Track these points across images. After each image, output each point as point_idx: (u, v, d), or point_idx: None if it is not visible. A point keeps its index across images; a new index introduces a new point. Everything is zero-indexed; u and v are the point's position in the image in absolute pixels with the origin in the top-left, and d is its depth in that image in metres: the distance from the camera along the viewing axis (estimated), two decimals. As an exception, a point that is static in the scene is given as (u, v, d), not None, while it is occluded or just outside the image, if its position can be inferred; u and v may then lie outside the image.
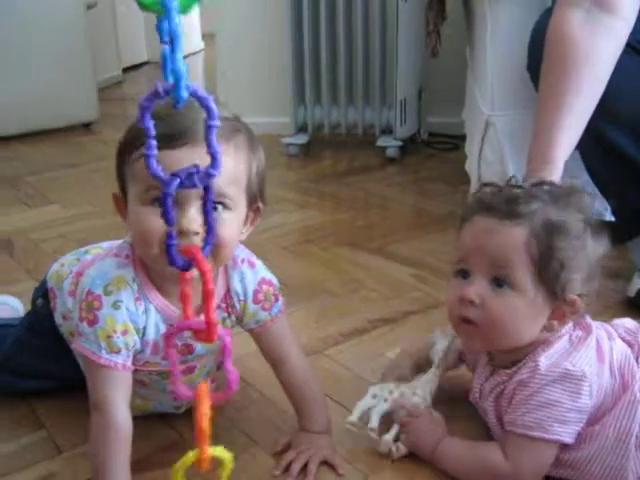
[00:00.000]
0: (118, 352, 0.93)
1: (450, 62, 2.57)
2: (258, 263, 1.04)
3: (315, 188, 2.33)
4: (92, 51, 3.22)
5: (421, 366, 1.18)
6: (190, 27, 6.00)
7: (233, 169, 0.90)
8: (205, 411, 0.60)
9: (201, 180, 0.59)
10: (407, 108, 2.60)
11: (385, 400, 1.10)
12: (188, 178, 0.59)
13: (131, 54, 4.99)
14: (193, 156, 0.80)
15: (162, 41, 0.59)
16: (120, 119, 3.54)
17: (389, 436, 1.05)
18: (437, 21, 2.40)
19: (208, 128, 0.56)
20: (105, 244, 1.17)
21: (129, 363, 0.95)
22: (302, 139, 2.68)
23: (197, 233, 0.85)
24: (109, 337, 0.92)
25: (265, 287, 1.03)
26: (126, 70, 4.80)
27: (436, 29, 2.42)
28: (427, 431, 1.04)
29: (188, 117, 0.84)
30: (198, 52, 6.06)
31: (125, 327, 0.93)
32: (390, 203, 2.24)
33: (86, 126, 3.23)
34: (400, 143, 2.63)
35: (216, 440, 1.09)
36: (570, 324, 0.99)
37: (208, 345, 0.99)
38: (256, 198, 0.96)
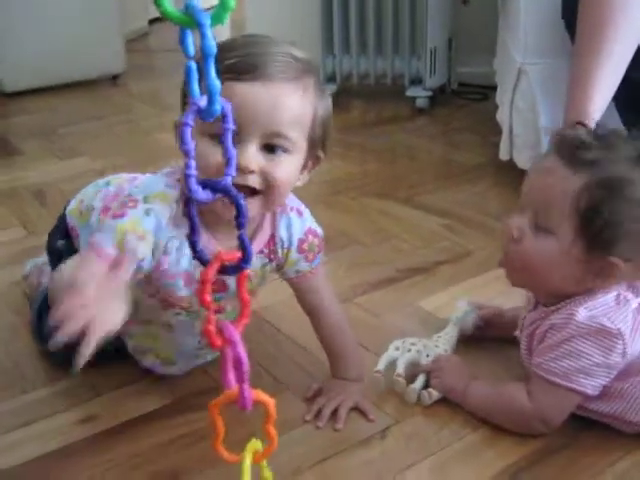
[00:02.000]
0: (127, 248, 0.87)
1: (481, 10, 2.53)
2: (306, 212, 1.04)
3: (343, 139, 2.31)
4: (119, 3, 3.20)
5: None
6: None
7: (298, 111, 0.90)
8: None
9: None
10: (437, 57, 2.56)
11: (409, 351, 1.11)
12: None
13: (157, 5, 4.94)
14: (261, 92, 0.85)
15: (187, 55, 0.57)
16: (147, 71, 3.54)
17: (416, 385, 1.06)
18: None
19: (224, 131, 0.57)
20: (125, 174, 1.15)
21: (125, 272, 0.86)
22: (330, 89, 2.65)
23: (252, 172, 0.87)
24: (124, 234, 0.87)
25: (311, 237, 1.03)
26: (152, 22, 4.77)
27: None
28: (456, 374, 1.06)
29: (263, 52, 0.87)
30: (224, 2, 6.01)
31: (145, 234, 0.89)
32: (419, 154, 2.23)
33: (113, 78, 3.23)
34: (430, 93, 2.60)
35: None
36: (623, 284, 0.97)
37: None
38: (317, 146, 0.96)
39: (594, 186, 0.90)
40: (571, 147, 0.93)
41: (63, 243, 1.15)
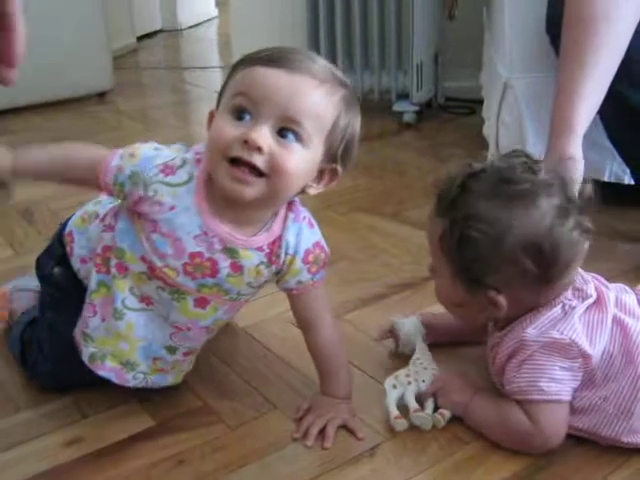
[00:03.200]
0: (119, 157, 0.96)
1: (467, 25, 2.54)
2: (317, 227, 1.04)
3: (332, 154, 2.31)
4: (106, 19, 3.20)
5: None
6: (203, -7, 5.97)
7: (318, 106, 0.91)
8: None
9: None
10: (423, 72, 2.57)
11: (409, 383, 1.09)
12: None
13: (145, 22, 4.96)
14: (284, 77, 0.89)
15: None
16: (135, 88, 3.54)
17: (428, 410, 1.05)
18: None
19: None
20: None
21: (106, 174, 0.97)
22: (318, 105, 2.66)
23: (260, 149, 0.87)
24: (129, 148, 0.97)
25: (318, 250, 1.03)
26: (140, 38, 4.78)
27: (453, -9, 2.40)
28: (457, 391, 1.05)
29: (299, 52, 0.93)
30: (212, 19, 6.02)
31: (135, 155, 0.96)
32: (408, 169, 2.23)
33: (100, 95, 3.22)
34: (417, 108, 2.61)
35: (238, 404, 1.12)
36: (569, 292, 0.99)
37: (232, 280, 1.00)
38: (336, 157, 0.96)
39: (450, 228, 0.96)
40: (437, 197, 1.00)
41: (59, 271, 1.11)
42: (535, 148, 1.66)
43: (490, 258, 0.94)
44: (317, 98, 0.91)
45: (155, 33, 5.20)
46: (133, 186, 0.95)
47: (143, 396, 1.12)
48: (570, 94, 1.27)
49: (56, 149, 1.04)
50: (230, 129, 0.89)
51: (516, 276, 0.95)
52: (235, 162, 0.89)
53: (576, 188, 1.20)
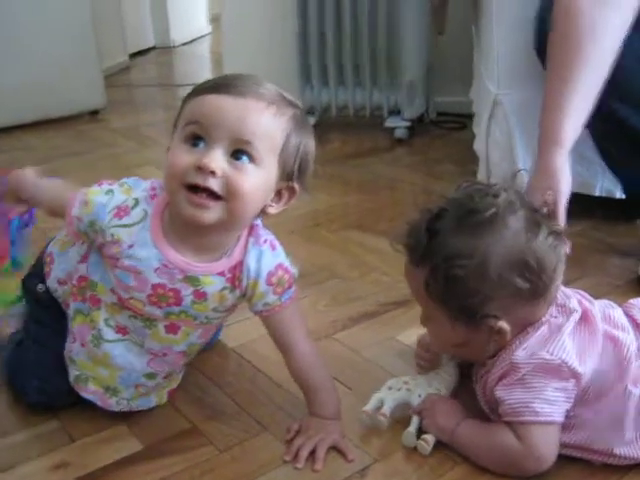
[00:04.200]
0: (77, 204, 1.00)
1: (457, 41, 2.55)
2: (280, 248, 1.04)
3: (323, 171, 2.31)
4: (97, 37, 3.20)
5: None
6: (196, 9, 5.98)
7: (267, 127, 0.92)
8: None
9: None
10: (414, 88, 2.58)
11: (399, 390, 1.09)
12: None
13: (138, 39, 4.97)
14: (231, 102, 0.90)
15: None
16: (127, 106, 3.54)
17: (411, 429, 1.04)
18: (443, -1, 2.39)
19: None
20: None
21: (69, 223, 1.01)
22: (310, 121, 2.66)
23: (214, 173, 0.89)
24: (84, 194, 1.01)
25: (281, 272, 1.03)
26: (133, 56, 4.79)
27: (443, 7, 2.41)
28: (444, 415, 1.03)
29: (243, 79, 0.95)
30: (204, 36, 6.03)
31: (88, 204, 0.99)
32: (399, 185, 2.23)
33: (93, 114, 3.22)
34: (408, 124, 2.61)
35: (227, 426, 1.11)
36: (552, 309, 1.00)
37: (198, 306, 1.02)
38: (292, 176, 0.97)
39: (432, 274, 0.97)
40: (408, 248, 1.02)
41: (43, 288, 1.14)
42: (525, 162, 1.67)
43: (481, 289, 0.94)
44: (265, 119, 0.92)
45: (148, 50, 5.21)
46: (94, 233, 1.00)
47: (131, 420, 1.11)
48: (556, 109, 1.27)
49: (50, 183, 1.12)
50: (184, 157, 0.91)
51: (511, 298, 0.95)
52: (193, 189, 0.91)
53: (565, 200, 1.21)
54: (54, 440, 1.09)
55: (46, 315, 1.14)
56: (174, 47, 5.44)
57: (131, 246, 0.98)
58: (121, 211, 0.98)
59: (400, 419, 1.07)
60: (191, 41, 5.73)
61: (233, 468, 1.02)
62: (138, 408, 1.11)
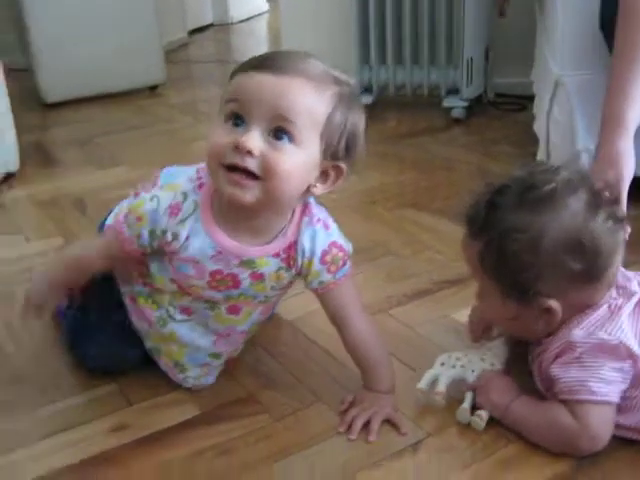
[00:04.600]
0: (126, 225, 1.01)
1: (518, 21, 2.51)
2: (333, 226, 1.04)
3: (379, 149, 2.31)
4: (158, 14, 3.24)
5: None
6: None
7: (308, 103, 0.90)
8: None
9: None
10: (473, 68, 2.55)
11: (453, 367, 1.09)
12: None
13: (197, 17, 5.00)
14: (270, 79, 0.89)
15: None
16: (186, 82, 3.58)
17: (465, 404, 1.04)
18: (506, -22, 2.35)
19: None
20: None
21: (129, 245, 1.01)
22: (367, 100, 2.66)
23: (251, 153, 0.88)
24: (130, 212, 1.01)
25: (335, 250, 1.03)
26: (192, 33, 4.82)
27: (505, -12, 2.37)
28: (501, 391, 1.03)
29: (286, 56, 0.93)
30: (262, 14, 6.04)
31: (141, 217, 0.99)
32: (455, 164, 2.21)
33: (152, 89, 3.26)
34: (466, 104, 2.58)
35: (282, 395, 1.13)
36: (613, 291, 0.99)
37: (256, 287, 1.03)
38: (338, 155, 0.95)
39: (487, 247, 0.98)
40: (467, 221, 1.02)
41: None
42: (586, 144, 1.64)
43: (533, 265, 0.94)
44: (304, 95, 0.90)
45: (206, 27, 5.24)
46: (156, 240, 1.00)
47: (187, 387, 1.14)
48: (621, 91, 1.25)
49: (65, 257, 1.16)
50: (221, 136, 0.91)
51: (563, 278, 0.95)
52: (232, 169, 0.90)
53: (628, 183, 1.18)
54: (113, 403, 1.12)
55: (106, 284, 1.15)
56: (232, 24, 5.45)
57: (187, 238, 0.99)
58: (174, 209, 0.98)
59: (454, 395, 1.07)
60: (249, 18, 5.74)
61: (287, 437, 1.04)
62: (202, 384, 1.14)
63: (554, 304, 0.96)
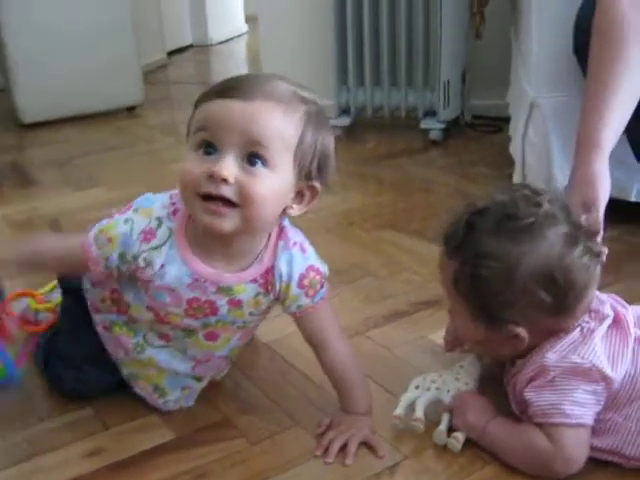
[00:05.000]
0: (95, 245, 0.99)
1: (494, 43, 2.54)
2: (310, 250, 1.04)
3: (357, 171, 2.32)
4: (137, 35, 3.24)
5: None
6: (233, 9, 6.01)
7: (279, 127, 0.90)
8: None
9: None
10: (450, 90, 2.57)
11: (428, 389, 1.09)
12: None
13: (176, 38, 5.01)
14: (239, 105, 0.88)
15: None
16: (164, 103, 3.57)
17: (442, 426, 1.04)
18: (481, 2, 2.38)
19: None
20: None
21: (94, 265, 1.00)
22: (344, 121, 2.68)
23: (226, 181, 0.88)
24: (100, 232, 0.99)
25: (312, 274, 1.03)
26: (171, 54, 4.83)
27: (480, 10, 2.40)
28: (474, 412, 1.03)
29: (252, 79, 0.94)
30: (241, 35, 6.06)
31: (112, 239, 0.98)
32: (433, 186, 2.23)
33: (130, 110, 3.26)
34: (443, 125, 2.61)
35: (259, 419, 1.12)
36: (585, 315, 0.99)
37: (234, 314, 1.02)
38: (311, 175, 0.95)
39: (461, 268, 0.98)
40: (445, 238, 1.02)
41: (78, 282, 1.15)
42: (561, 167, 1.66)
43: (504, 293, 0.95)
44: (274, 118, 0.89)
45: (185, 48, 5.26)
46: (126, 264, 0.99)
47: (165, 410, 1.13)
48: (595, 112, 1.26)
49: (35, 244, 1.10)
50: (194, 166, 0.90)
51: (533, 308, 0.96)
52: (207, 198, 0.90)
53: (603, 205, 1.19)
54: (88, 427, 1.11)
55: (81, 308, 1.15)
56: (211, 45, 5.48)
57: (162, 266, 0.98)
58: (148, 234, 0.97)
59: (431, 417, 1.07)
60: (228, 40, 5.76)
61: (264, 461, 1.03)
62: (181, 406, 1.14)
63: (522, 332, 0.97)
